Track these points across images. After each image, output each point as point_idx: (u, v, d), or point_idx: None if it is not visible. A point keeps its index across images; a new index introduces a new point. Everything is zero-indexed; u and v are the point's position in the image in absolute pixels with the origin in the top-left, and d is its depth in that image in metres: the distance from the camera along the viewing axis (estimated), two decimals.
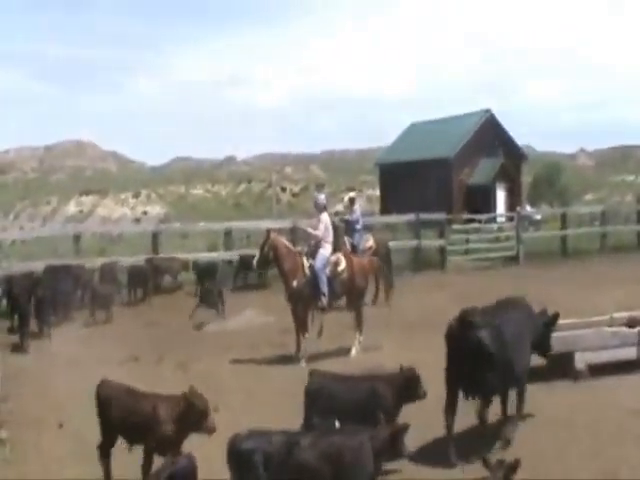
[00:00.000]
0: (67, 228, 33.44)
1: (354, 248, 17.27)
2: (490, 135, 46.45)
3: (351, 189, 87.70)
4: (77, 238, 20.42)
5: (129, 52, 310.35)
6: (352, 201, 19.26)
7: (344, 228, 18.21)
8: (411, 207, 28.75)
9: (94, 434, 8.93)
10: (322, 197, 14.35)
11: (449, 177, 45.69)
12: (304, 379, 8.35)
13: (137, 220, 75.36)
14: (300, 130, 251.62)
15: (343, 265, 13.35)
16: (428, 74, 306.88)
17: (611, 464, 7.80)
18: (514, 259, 24.96)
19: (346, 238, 17.61)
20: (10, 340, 14.06)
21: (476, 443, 8.23)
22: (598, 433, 8.57)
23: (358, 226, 18.22)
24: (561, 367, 11.14)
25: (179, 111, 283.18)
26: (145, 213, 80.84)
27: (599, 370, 10.98)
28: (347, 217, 18.68)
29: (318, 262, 13.10)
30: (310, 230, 13.68)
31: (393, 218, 28.36)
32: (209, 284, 17.47)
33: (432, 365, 8.62)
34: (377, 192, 63.68)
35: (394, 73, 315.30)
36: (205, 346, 13.82)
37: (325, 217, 13.67)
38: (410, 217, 25.13)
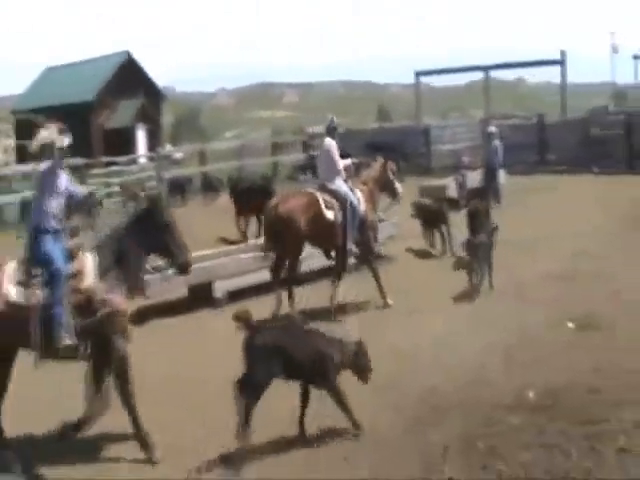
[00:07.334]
0: None
1: None
2: (129, 77, 45.78)
3: None
4: None
5: None
6: None
7: None
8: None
9: None
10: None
11: (88, 121, 44.48)
12: None
13: None
14: None
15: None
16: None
17: None
18: None
19: None
20: None
21: None
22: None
23: None
24: (203, 297, 11.60)
25: None
26: None
27: (240, 295, 11.53)
28: None
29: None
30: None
31: (29, 167, 27.05)
32: None
33: None
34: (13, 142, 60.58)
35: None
36: None
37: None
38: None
